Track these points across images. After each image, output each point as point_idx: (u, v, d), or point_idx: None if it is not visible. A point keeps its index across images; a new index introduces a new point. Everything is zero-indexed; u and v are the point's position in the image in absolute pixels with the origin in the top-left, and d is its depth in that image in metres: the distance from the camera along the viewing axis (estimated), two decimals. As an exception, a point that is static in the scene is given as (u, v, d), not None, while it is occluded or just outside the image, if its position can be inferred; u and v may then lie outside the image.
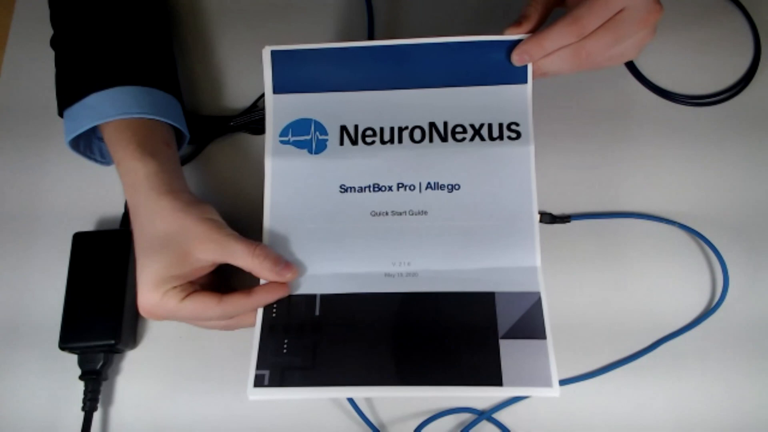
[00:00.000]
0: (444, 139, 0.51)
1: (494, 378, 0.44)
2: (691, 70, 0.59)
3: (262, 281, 0.48)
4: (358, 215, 0.50)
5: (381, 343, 0.46)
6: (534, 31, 0.50)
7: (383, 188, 0.51)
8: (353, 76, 0.52)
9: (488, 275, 0.48)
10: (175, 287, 0.45)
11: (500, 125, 0.51)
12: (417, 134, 0.52)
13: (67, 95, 0.51)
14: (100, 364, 0.50)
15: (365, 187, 0.51)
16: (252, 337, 0.47)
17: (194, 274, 0.47)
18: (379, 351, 0.46)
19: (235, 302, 0.46)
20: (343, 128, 0.52)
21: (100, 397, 0.50)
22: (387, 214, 0.50)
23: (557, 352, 0.45)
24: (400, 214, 0.50)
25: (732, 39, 0.60)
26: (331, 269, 0.49)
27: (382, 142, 0.52)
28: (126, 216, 0.54)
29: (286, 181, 0.51)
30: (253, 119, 0.58)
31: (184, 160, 0.57)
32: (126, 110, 0.49)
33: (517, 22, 0.50)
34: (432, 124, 0.52)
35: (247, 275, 0.48)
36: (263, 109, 0.53)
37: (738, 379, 0.50)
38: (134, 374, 0.52)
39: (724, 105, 0.58)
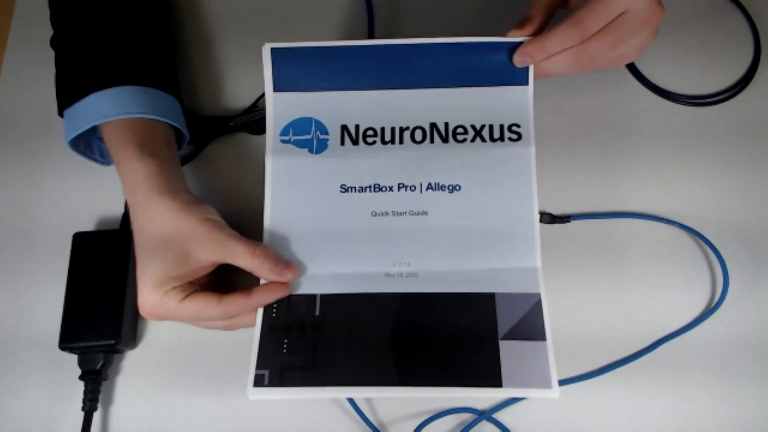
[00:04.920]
0: (445, 139, 0.51)
1: (494, 379, 0.44)
2: (691, 70, 0.59)
3: (262, 281, 0.48)
4: (359, 215, 0.50)
5: (381, 344, 0.46)
6: (537, 33, 0.50)
7: (384, 188, 0.51)
8: (354, 76, 0.52)
9: (488, 276, 0.48)
10: (175, 288, 0.45)
11: (501, 126, 0.51)
12: (418, 135, 0.52)
13: (67, 95, 0.51)
14: (100, 364, 0.50)
15: (366, 187, 0.51)
16: (252, 337, 0.47)
17: (194, 275, 0.46)
18: (379, 351, 0.46)
19: (235, 302, 0.46)
20: (344, 128, 0.52)
21: (100, 397, 0.50)
22: (387, 214, 0.50)
23: (557, 352, 0.45)
24: (401, 214, 0.50)
25: (732, 39, 0.60)
26: (331, 269, 0.49)
27: (383, 142, 0.52)
28: (126, 216, 0.54)
29: (287, 181, 0.51)
30: (253, 119, 0.58)
31: (184, 160, 0.57)
32: (126, 110, 0.49)
33: (519, 25, 0.50)
34: (433, 125, 0.52)
35: (247, 275, 0.48)
36: (263, 109, 0.53)
37: (738, 380, 0.50)
38: (134, 374, 0.52)
39: (724, 105, 0.58)
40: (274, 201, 0.51)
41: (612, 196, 0.55)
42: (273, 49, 0.52)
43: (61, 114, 0.52)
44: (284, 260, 0.48)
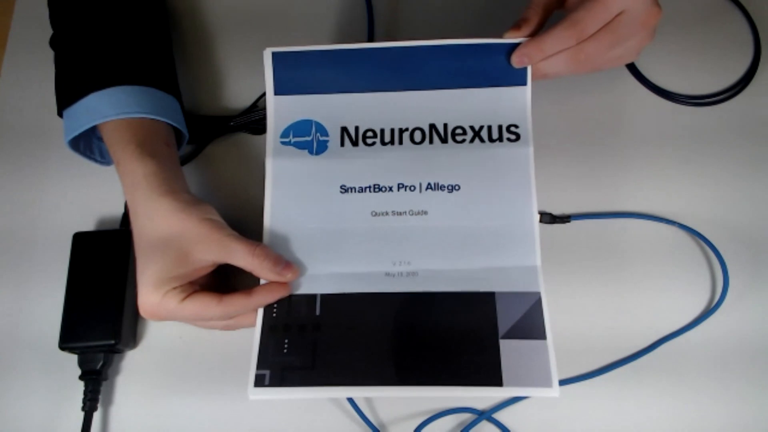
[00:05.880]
0: (444, 140, 0.51)
1: (494, 378, 0.44)
2: (691, 70, 0.59)
3: (262, 281, 0.48)
4: (359, 215, 0.50)
5: (381, 343, 0.46)
6: (534, 34, 0.50)
7: (384, 188, 0.51)
8: (354, 78, 0.52)
9: (488, 275, 0.48)
10: (175, 288, 0.45)
11: (500, 127, 0.51)
12: (417, 135, 0.52)
13: (67, 95, 0.51)
14: (100, 364, 0.50)
15: (366, 188, 0.51)
16: (252, 337, 0.47)
17: (194, 275, 0.47)
18: (380, 351, 0.46)
19: (235, 302, 0.46)
20: (344, 129, 0.52)
21: (100, 397, 0.50)
22: (387, 214, 0.50)
23: (557, 352, 0.45)
24: (401, 214, 0.50)
25: (732, 39, 0.60)
26: (331, 269, 0.49)
27: (383, 143, 0.52)
28: (126, 216, 0.54)
29: (287, 182, 0.51)
30: (253, 119, 0.58)
31: (184, 160, 0.57)
32: (125, 110, 0.49)
33: (516, 26, 0.50)
34: (432, 126, 0.52)
35: (247, 275, 0.48)
36: (263, 109, 0.53)
37: (738, 380, 0.50)
38: (134, 374, 0.52)
39: (724, 105, 0.58)
40: (274, 201, 0.51)
41: (612, 196, 0.55)
42: (274, 54, 0.52)
43: (60, 114, 0.52)
44: (284, 260, 0.48)
